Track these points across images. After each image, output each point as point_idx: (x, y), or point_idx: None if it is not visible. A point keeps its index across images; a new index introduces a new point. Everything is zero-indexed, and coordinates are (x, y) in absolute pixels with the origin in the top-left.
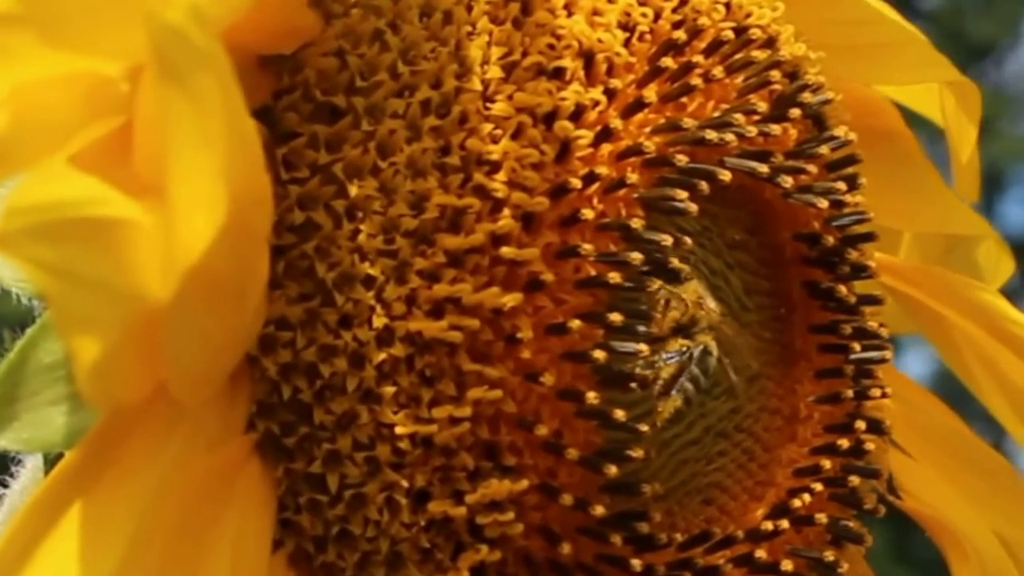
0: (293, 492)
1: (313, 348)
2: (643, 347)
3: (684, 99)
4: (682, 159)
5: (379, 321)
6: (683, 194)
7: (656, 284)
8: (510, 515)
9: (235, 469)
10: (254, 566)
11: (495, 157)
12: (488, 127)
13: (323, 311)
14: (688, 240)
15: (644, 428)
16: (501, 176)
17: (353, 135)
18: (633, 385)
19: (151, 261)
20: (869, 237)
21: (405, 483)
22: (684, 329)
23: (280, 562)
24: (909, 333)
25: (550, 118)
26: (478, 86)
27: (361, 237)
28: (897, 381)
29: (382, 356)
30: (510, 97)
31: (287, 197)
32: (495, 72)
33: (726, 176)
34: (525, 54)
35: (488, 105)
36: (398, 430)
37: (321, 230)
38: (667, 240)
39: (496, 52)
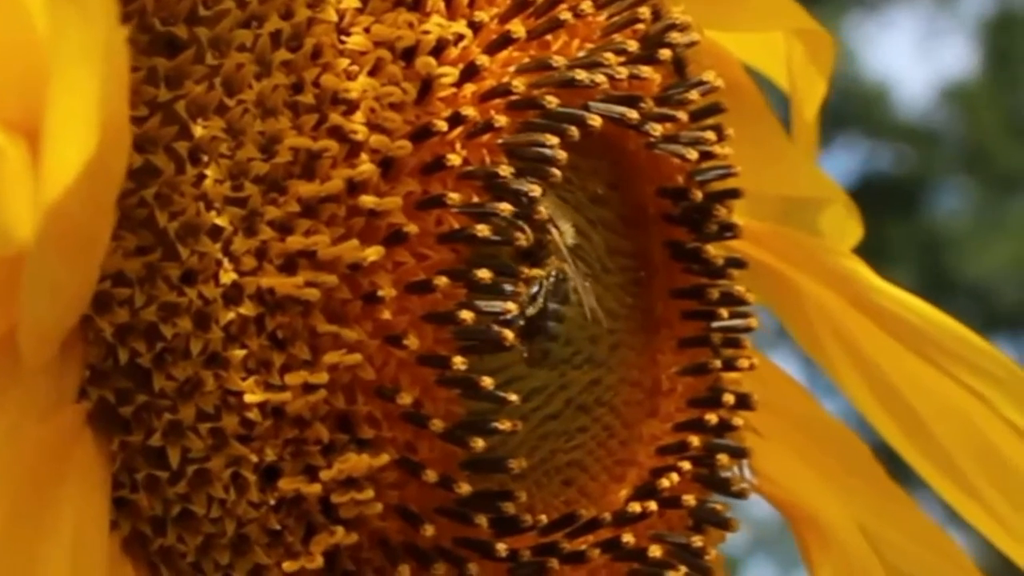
0: (129, 468)
1: (153, 307)
2: (511, 307)
3: (549, 36)
4: (552, 101)
5: (227, 277)
6: (553, 139)
7: (524, 237)
8: (369, 493)
9: (69, 442)
10: (94, 552)
11: (352, 96)
12: (344, 62)
13: (164, 265)
14: (558, 173)
15: (513, 397)
16: (359, 117)
17: (196, 70)
18: (502, 347)
19: (17, 197)
20: (736, 193)
21: (254, 458)
22: (535, 255)
23: (114, 546)
24: None
25: (410, 53)
26: (332, 17)
27: (206, 183)
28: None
29: (230, 316)
30: (367, 30)
31: None
32: (350, 1)
33: (596, 122)
34: None
35: (343, 38)
36: (247, 398)
37: (162, 175)
38: (536, 190)
39: None
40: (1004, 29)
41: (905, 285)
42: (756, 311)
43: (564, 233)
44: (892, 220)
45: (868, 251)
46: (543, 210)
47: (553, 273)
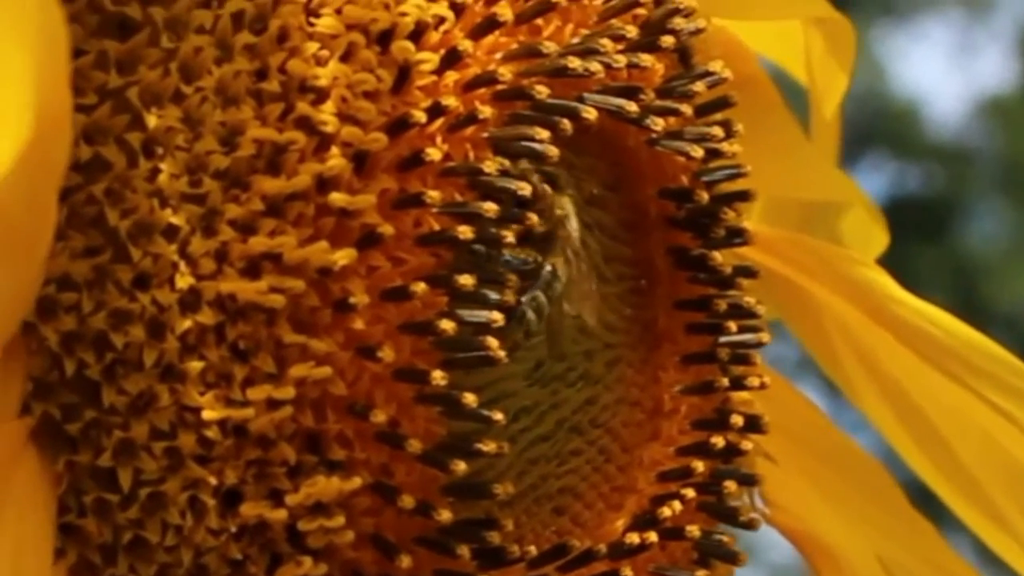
0: (76, 491)
1: (103, 313)
2: (496, 316)
3: (539, 20)
4: (542, 91)
5: (183, 281)
6: (543, 133)
7: (510, 235)
8: (339, 520)
9: (9, 462)
10: None
11: (322, 83)
12: (313, 47)
13: (115, 268)
14: (547, 189)
15: (498, 417)
16: (329, 107)
17: (150, 54)
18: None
19: None
20: (746, 195)
21: (213, 480)
22: (541, 243)
23: None
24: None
25: (386, 37)
26: None
27: (161, 178)
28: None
29: (187, 324)
30: (339, 11)
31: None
32: None
33: (591, 114)
34: None
35: (312, 20)
36: (205, 415)
37: (112, 169)
38: (525, 188)
39: None
40: None
41: None
42: (776, 339)
43: (572, 232)
44: (922, 244)
45: (896, 277)
46: (559, 210)
47: (549, 266)
